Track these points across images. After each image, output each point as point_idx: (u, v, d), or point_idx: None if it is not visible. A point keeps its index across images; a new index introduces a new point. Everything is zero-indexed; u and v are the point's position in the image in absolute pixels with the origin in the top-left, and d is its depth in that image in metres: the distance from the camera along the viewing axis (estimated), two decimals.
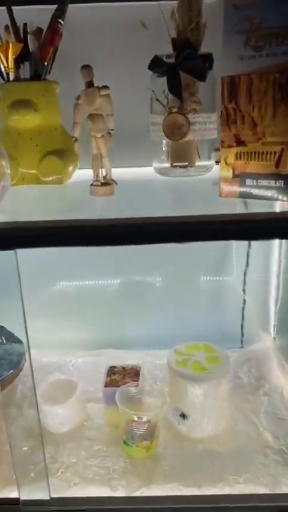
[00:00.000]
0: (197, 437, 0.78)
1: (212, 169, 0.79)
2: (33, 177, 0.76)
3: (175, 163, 0.78)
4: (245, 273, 1.04)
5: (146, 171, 0.82)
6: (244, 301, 1.06)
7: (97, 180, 0.65)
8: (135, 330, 1.07)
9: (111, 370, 0.87)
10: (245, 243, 1.03)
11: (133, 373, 0.86)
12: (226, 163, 0.60)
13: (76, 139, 0.76)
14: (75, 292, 1.06)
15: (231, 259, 1.07)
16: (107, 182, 0.65)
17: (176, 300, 1.07)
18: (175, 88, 0.70)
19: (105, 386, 0.82)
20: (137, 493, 0.68)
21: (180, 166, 0.78)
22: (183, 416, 0.72)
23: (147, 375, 0.94)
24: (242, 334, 1.09)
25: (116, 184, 0.66)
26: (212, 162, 0.79)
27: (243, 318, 1.08)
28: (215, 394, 0.77)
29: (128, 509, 0.65)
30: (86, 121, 0.65)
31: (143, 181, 0.80)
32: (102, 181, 0.66)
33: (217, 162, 0.74)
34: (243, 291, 1.05)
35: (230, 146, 0.59)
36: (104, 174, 0.66)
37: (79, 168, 0.79)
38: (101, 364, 0.97)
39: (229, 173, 0.60)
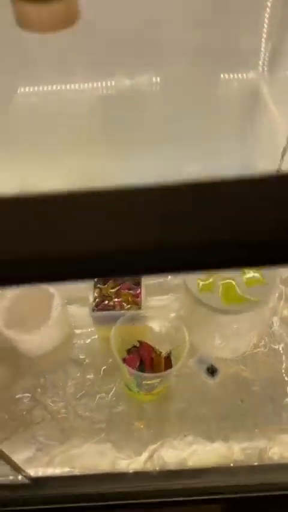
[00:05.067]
0: (222, 357, 0.59)
1: None
2: None
3: None
4: None
5: None
6: None
7: None
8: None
9: (99, 280, 0.59)
10: None
11: (132, 282, 0.59)
12: None
13: None
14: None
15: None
16: None
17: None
18: None
19: (96, 308, 0.56)
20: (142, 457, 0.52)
21: None
22: (212, 372, 0.50)
23: None
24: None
25: None
26: None
27: None
28: (255, 321, 0.54)
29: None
30: None
31: None
32: None
33: None
34: None
35: None
36: None
37: None
38: None
39: None
